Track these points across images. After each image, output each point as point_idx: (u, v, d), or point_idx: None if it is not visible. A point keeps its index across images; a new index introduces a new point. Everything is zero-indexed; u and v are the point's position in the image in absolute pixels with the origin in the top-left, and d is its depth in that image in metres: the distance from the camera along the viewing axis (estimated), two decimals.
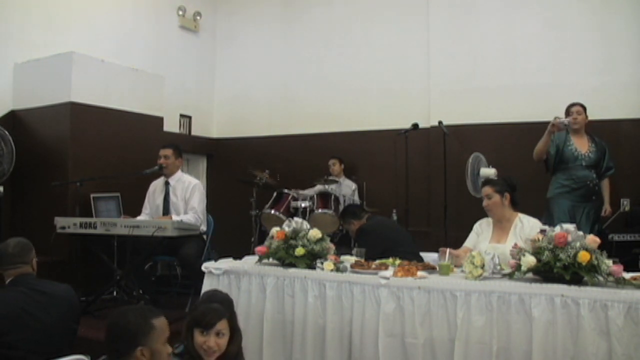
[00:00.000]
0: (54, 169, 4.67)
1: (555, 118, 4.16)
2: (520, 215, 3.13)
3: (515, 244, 2.73)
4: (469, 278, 2.54)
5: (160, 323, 1.83)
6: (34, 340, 2.31)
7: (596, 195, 4.22)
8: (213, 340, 1.98)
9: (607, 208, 4.31)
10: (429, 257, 3.57)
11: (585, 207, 4.16)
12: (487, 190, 3.15)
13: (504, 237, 3.07)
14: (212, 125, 7.13)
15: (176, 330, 2.11)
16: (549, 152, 4.27)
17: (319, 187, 5.68)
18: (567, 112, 4.32)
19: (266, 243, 3.08)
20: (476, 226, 3.29)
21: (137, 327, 1.78)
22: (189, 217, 4.22)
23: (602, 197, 4.29)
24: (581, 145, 4.22)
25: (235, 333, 2.09)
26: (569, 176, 4.23)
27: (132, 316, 1.80)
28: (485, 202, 3.15)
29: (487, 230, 3.20)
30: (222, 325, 2.02)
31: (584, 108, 4.31)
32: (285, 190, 5.59)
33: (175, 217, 4.20)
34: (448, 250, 2.89)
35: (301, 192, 5.72)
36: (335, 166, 5.90)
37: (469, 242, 3.24)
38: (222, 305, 2.07)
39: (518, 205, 3.20)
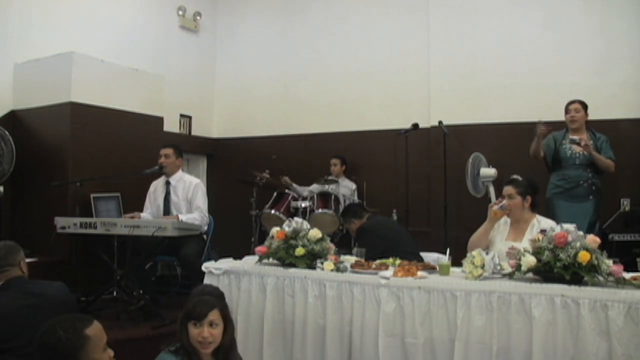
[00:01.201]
0: (54, 169, 4.66)
1: (539, 121, 4.16)
2: (538, 217, 3.15)
3: (512, 246, 2.74)
4: (469, 278, 2.54)
5: (94, 331, 1.71)
6: (29, 344, 2.27)
7: (593, 194, 4.15)
8: (207, 331, 2.00)
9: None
10: (429, 257, 3.58)
11: (582, 207, 4.10)
12: (509, 190, 3.13)
13: (520, 236, 3.08)
14: (212, 125, 7.12)
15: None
16: (546, 151, 4.26)
17: (315, 186, 5.69)
18: (566, 110, 4.29)
19: (266, 243, 3.08)
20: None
21: (70, 342, 1.64)
22: (195, 217, 4.22)
23: (599, 197, 4.19)
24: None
25: (228, 324, 2.11)
26: (562, 176, 4.20)
27: (62, 332, 1.66)
28: (505, 202, 3.13)
29: (503, 226, 3.21)
30: (215, 316, 2.04)
31: (584, 105, 4.26)
32: (284, 179, 5.65)
33: (181, 216, 4.20)
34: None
35: (295, 186, 5.73)
36: (337, 166, 5.88)
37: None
38: (213, 297, 2.11)
39: (537, 208, 3.20)
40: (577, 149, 4.15)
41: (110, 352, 1.76)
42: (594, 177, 4.16)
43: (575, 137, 4.13)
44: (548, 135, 4.29)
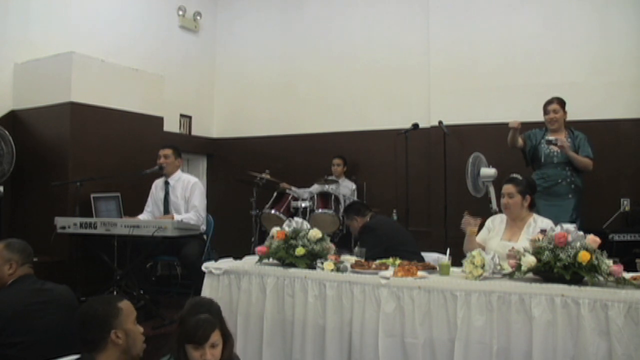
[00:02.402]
0: (54, 169, 4.66)
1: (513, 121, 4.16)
2: (535, 216, 3.15)
3: (513, 248, 2.74)
4: (469, 278, 2.54)
5: (126, 305, 1.94)
6: (39, 339, 2.32)
7: (573, 193, 4.12)
8: (209, 353, 1.92)
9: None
10: (429, 257, 3.58)
11: (562, 206, 4.06)
12: (509, 188, 3.13)
13: (517, 236, 3.08)
14: (212, 125, 7.12)
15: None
16: (525, 145, 4.26)
17: (316, 187, 5.69)
18: (545, 110, 4.26)
19: (266, 243, 3.08)
20: (488, 222, 3.29)
21: (106, 311, 1.88)
22: (190, 216, 4.23)
23: (579, 195, 4.15)
24: None
25: (227, 340, 2.03)
26: (541, 175, 4.18)
27: (98, 304, 1.92)
28: (505, 200, 3.13)
29: (499, 226, 3.21)
30: (216, 337, 1.95)
31: (562, 105, 4.22)
32: (283, 184, 5.65)
33: (177, 217, 4.20)
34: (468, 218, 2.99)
35: (295, 189, 5.72)
36: (340, 167, 5.86)
37: (479, 238, 3.24)
38: (211, 314, 1.99)
39: (535, 208, 3.21)
40: (554, 149, 4.14)
41: (140, 328, 1.96)
42: (572, 175, 4.13)
43: (551, 137, 4.12)
44: (526, 131, 4.31)
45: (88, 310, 1.91)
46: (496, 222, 3.25)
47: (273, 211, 5.37)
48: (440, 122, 5.27)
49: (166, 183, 4.48)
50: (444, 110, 5.54)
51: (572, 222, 3.88)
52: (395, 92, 6.01)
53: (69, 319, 2.47)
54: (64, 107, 4.69)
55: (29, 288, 2.45)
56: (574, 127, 4.31)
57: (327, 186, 5.52)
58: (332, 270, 2.81)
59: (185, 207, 4.35)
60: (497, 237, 3.16)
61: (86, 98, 4.76)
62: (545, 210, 3.92)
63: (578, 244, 2.34)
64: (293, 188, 5.74)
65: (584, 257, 2.29)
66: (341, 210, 5.33)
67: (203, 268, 3.16)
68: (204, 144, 6.93)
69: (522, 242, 2.89)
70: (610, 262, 2.33)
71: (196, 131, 6.82)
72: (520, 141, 4.29)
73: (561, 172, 4.13)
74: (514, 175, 3.22)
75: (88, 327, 1.87)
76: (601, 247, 2.39)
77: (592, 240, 2.37)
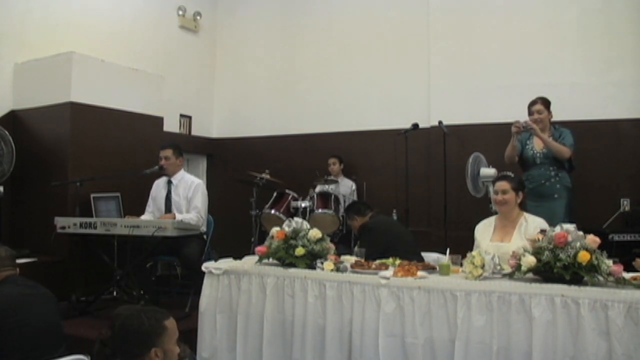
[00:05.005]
0: (54, 169, 4.66)
1: (516, 121, 4.09)
2: (525, 215, 3.13)
3: (514, 252, 2.73)
4: (469, 278, 2.54)
5: (171, 324, 1.87)
6: (31, 336, 2.37)
7: (560, 193, 4.05)
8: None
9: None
10: (429, 257, 3.58)
11: (550, 206, 4.00)
12: (503, 185, 3.11)
13: (508, 236, 3.06)
14: (212, 125, 7.12)
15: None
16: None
17: (318, 187, 5.68)
18: (529, 111, 4.22)
19: (266, 243, 3.08)
20: (476, 233, 3.24)
21: (151, 328, 1.80)
22: (191, 217, 4.22)
23: (568, 195, 4.08)
24: (538, 143, 4.11)
25: None
26: (526, 177, 4.11)
27: (145, 318, 1.82)
28: (500, 197, 3.10)
29: (487, 230, 3.18)
30: None
31: (547, 105, 4.17)
32: (287, 191, 5.60)
33: (178, 216, 4.20)
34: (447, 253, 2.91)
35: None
36: (335, 165, 5.89)
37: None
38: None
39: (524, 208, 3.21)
40: (538, 146, 4.11)
41: (178, 349, 1.87)
42: (558, 175, 4.06)
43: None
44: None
45: (133, 322, 1.81)
46: (484, 227, 3.20)
47: (273, 211, 5.36)
48: (440, 122, 5.27)
49: (169, 182, 4.47)
50: (444, 110, 5.54)
51: (570, 219, 3.89)
52: (395, 92, 6.02)
53: (58, 314, 2.66)
54: (64, 107, 4.69)
55: (15, 284, 2.55)
56: (574, 127, 4.30)
57: (327, 186, 5.52)
58: (332, 270, 2.81)
59: (187, 207, 4.34)
60: (485, 240, 3.11)
61: (86, 98, 4.76)
62: (533, 211, 3.87)
63: (578, 244, 2.34)
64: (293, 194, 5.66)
65: (583, 257, 2.29)
66: (341, 210, 5.34)
67: (203, 268, 3.16)
68: (204, 144, 6.93)
69: (515, 242, 2.89)
70: (610, 262, 2.34)
71: (196, 131, 6.82)
72: (516, 158, 4.26)
73: (544, 173, 4.08)
74: (506, 173, 3.22)
75: (129, 340, 1.79)
76: (601, 247, 2.39)
77: (592, 240, 2.37)
